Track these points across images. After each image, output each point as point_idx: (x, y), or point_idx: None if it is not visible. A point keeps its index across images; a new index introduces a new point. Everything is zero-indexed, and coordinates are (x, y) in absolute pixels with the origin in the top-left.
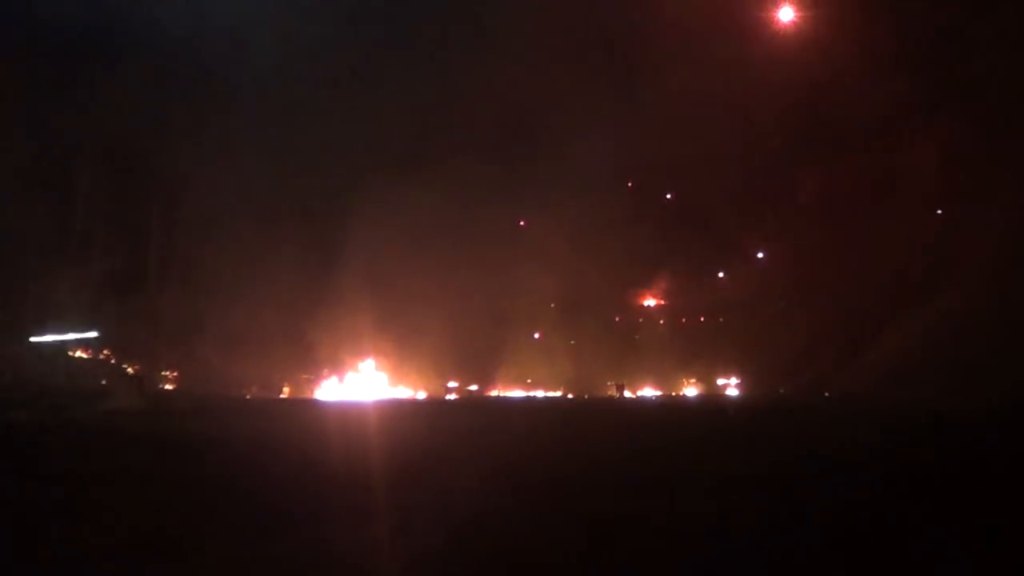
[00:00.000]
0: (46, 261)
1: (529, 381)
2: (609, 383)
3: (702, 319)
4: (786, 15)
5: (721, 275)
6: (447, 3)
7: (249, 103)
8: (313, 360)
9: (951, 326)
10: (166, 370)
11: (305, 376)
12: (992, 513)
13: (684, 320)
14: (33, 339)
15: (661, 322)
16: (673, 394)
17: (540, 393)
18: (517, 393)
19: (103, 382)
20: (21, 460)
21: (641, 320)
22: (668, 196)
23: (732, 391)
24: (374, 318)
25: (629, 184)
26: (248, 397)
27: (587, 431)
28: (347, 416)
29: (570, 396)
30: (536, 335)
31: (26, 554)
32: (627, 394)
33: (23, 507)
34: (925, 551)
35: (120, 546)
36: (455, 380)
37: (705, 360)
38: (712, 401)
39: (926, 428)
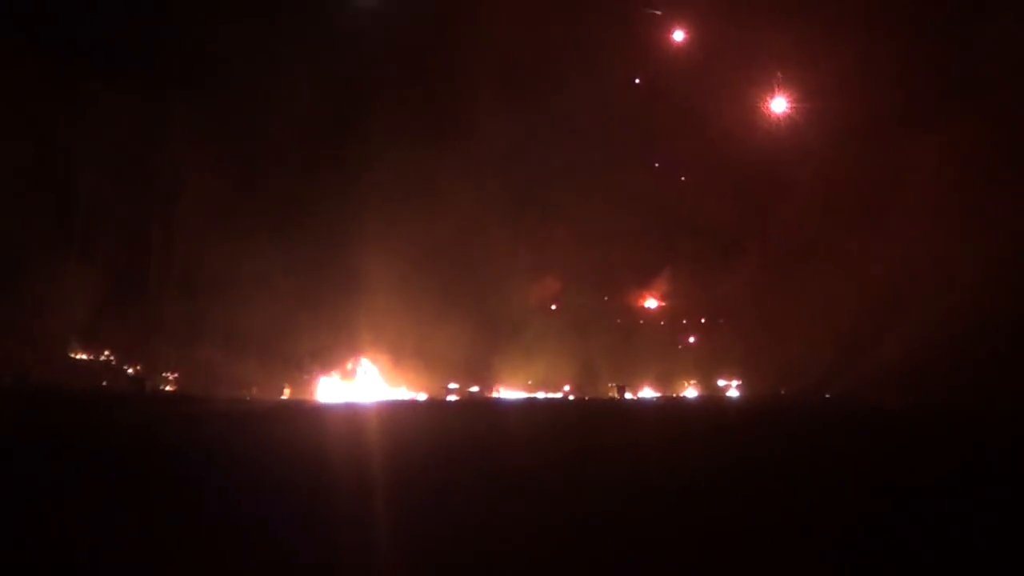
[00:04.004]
0: (46, 262)
1: (530, 383)
2: (610, 384)
3: (703, 320)
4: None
5: (722, 276)
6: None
7: (248, 104)
8: (314, 361)
9: (954, 328)
10: (166, 371)
11: (306, 377)
12: (994, 515)
13: (685, 322)
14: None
15: (662, 323)
16: (674, 396)
17: (541, 395)
18: (518, 394)
19: (103, 382)
20: (21, 461)
21: (642, 322)
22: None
23: (733, 392)
24: (375, 319)
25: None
26: (248, 398)
27: (588, 432)
28: (348, 417)
29: (571, 397)
30: (537, 336)
31: (26, 555)
32: (628, 395)
33: (23, 508)
34: (927, 553)
35: (120, 548)
36: (456, 381)
37: (706, 361)
38: (713, 402)
39: (929, 430)
